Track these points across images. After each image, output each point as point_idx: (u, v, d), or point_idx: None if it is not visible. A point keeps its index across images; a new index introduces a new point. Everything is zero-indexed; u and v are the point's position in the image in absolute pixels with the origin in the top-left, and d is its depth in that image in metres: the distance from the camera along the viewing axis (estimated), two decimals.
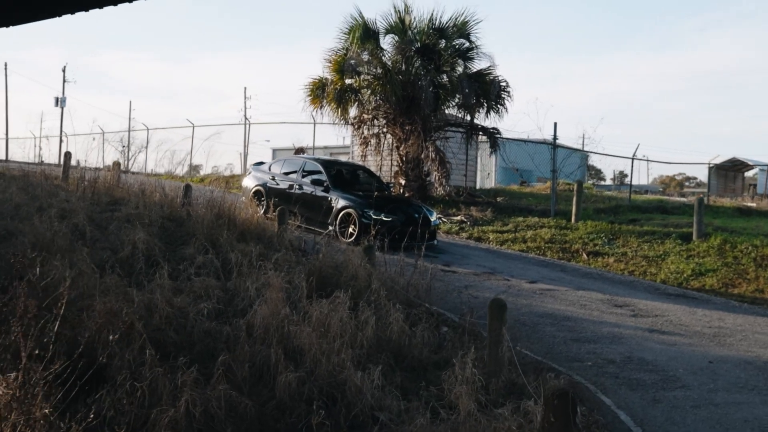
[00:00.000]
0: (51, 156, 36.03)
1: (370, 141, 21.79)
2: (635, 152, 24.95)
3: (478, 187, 26.78)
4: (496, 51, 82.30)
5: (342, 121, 21.06)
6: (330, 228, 14.79)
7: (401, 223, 14.34)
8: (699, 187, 42.68)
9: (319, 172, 15.91)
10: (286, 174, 16.53)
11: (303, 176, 16.12)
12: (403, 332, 7.68)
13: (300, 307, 7.35)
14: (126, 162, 33.96)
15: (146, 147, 33.07)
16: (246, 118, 31.93)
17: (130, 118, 36.10)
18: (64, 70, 48.61)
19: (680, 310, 11.03)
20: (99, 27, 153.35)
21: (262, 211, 15.64)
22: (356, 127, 21.62)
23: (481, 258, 14.77)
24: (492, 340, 7.11)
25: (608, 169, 75.71)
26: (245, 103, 31.67)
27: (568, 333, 9.30)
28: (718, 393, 7.11)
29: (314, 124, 26.08)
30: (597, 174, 74.31)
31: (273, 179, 16.61)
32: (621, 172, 78.32)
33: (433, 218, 15.46)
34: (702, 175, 48.07)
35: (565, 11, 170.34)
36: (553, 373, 7.56)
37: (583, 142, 29.72)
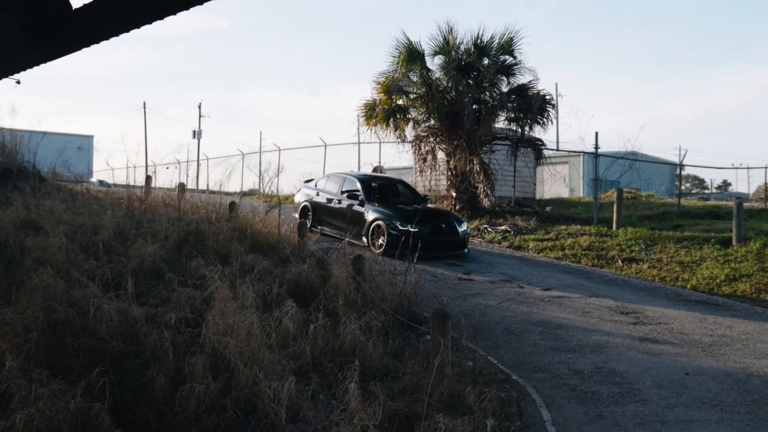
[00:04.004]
0: (189, 181, 36.66)
1: (426, 157, 21.23)
2: (683, 158, 23.01)
3: (537, 197, 25.44)
4: (537, 65, 79.30)
5: (399, 140, 20.68)
6: (363, 239, 14.36)
7: (428, 233, 13.80)
8: None
9: (356, 188, 15.52)
10: (329, 190, 16.26)
11: (342, 191, 15.78)
12: (356, 341, 7.08)
13: (243, 317, 6.89)
14: (261, 185, 34.59)
15: (280, 171, 33.62)
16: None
17: (260, 146, 37.18)
18: (199, 107, 50.80)
19: (690, 318, 9.76)
20: (240, 69, 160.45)
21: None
22: (414, 144, 21.15)
23: (507, 266, 13.83)
24: (433, 350, 6.39)
25: (709, 179, 71.06)
26: (358, 129, 31.78)
27: (552, 341, 8.37)
28: (674, 409, 6.04)
29: (380, 143, 25.70)
30: (700, 183, 70.10)
31: (318, 195, 16.38)
32: (724, 181, 73.48)
33: (461, 228, 14.69)
34: None
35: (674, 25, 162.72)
36: (507, 384, 6.78)
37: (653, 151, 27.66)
